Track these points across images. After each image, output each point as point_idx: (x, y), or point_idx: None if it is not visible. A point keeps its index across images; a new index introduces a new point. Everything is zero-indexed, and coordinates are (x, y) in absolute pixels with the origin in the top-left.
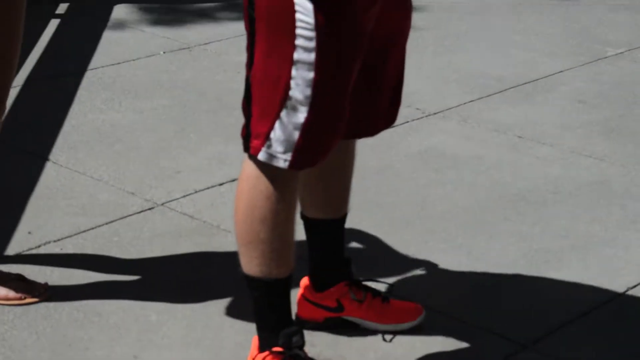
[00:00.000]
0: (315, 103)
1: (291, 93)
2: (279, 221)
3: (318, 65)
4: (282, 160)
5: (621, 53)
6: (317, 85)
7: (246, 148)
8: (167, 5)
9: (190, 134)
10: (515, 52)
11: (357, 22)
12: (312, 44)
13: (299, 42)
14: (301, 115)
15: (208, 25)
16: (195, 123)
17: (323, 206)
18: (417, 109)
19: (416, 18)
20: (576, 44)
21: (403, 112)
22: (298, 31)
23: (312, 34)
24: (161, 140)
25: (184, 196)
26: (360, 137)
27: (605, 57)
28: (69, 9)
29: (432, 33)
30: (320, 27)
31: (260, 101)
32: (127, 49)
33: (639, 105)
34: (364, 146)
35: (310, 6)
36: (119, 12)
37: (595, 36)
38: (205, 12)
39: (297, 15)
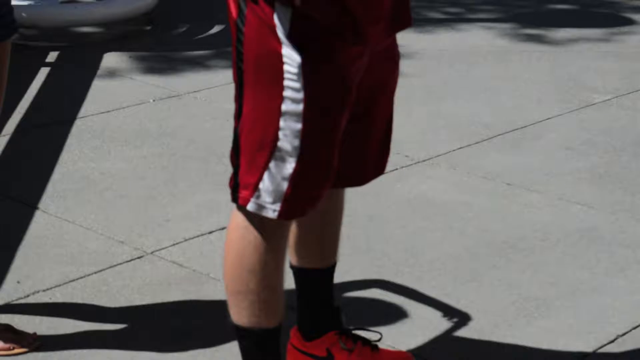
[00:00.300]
0: (303, 154)
1: (279, 144)
2: (268, 271)
3: (306, 117)
4: (271, 211)
5: (608, 100)
6: (305, 136)
7: (235, 198)
8: (157, 54)
9: (180, 182)
10: (503, 99)
11: (344, 73)
12: (300, 95)
13: (286, 93)
14: (289, 166)
15: (198, 73)
16: (184, 171)
17: (312, 255)
18: (406, 156)
19: (404, 65)
20: (563, 90)
21: (392, 159)
22: (286, 82)
23: (299, 85)
24: (151, 188)
25: (174, 244)
26: (349, 186)
27: (593, 104)
28: (59, 57)
29: (420, 80)
30: (308, 78)
31: (249, 152)
32: (116, 97)
33: (626, 152)
34: (352, 193)
35: (298, 58)
36: (109, 60)
37: (582, 83)
38: (196, 60)
39: (285, 67)
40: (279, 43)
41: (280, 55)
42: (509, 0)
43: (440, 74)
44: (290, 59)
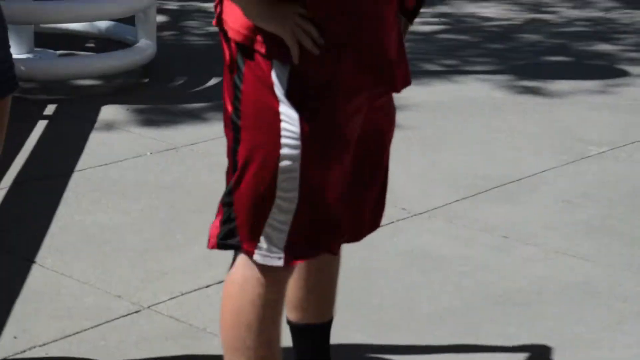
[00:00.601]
0: (302, 208)
1: (277, 200)
2: (265, 327)
3: (304, 173)
4: (277, 259)
5: (604, 152)
6: (303, 192)
7: (233, 254)
8: (155, 106)
9: (177, 235)
10: (500, 151)
11: (342, 129)
12: (297, 152)
13: (284, 150)
14: (289, 220)
15: (195, 126)
16: (182, 224)
17: (309, 311)
18: (403, 208)
19: (401, 117)
20: (559, 142)
21: (389, 212)
22: (283, 140)
23: (297, 142)
24: (148, 241)
25: (171, 299)
26: (344, 242)
27: (589, 156)
28: (56, 109)
29: (416, 132)
30: (306, 135)
31: (246, 207)
32: (114, 150)
33: (623, 205)
34: (349, 247)
35: (295, 115)
36: (107, 112)
37: (578, 135)
38: (193, 113)
39: (283, 125)
40: (277, 101)
41: (277, 113)
42: (505, 52)
43: (436, 126)
44: (288, 116)
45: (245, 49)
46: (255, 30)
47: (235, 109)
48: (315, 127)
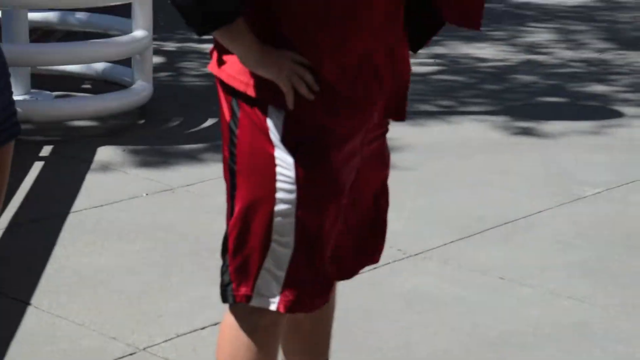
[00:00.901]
0: (297, 252)
1: (273, 244)
2: None
3: (299, 217)
4: (273, 304)
5: (599, 193)
6: (298, 236)
7: (229, 297)
8: (151, 147)
9: (173, 277)
10: (495, 192)
11: (337, 174)
12: (293, 196)
13: (279, 195)
14: (285, 263)
15: (191, 167)
16: (177, 266)
17: (304, 353)
18: (399, 250)
19: (396, 158)
20: (555, 183)
21: (385, 253)
22: (279, 185)
23: (293, 187)
24: (143, 284)
25: (166, 340)
26: (339, 279)
27: (584, 197)
28: (52, 151)
29: (412, 173)
30: (301, 180)
31: (243, 251)
32: (110, 191)
33: (618, 246)
34: (345, 288)
35: (290, 160)
36: (103, 154)
37: (573, 176)
38: (189, 154)
39: (278, 169)
40: (272, 146)
41: (273, 158)
42: (500, 93)
43: (432, 167)
44: (283, 161)
45: (241, 94)
46: (250, 75)
47: (232, 154)
48: (311, 172)
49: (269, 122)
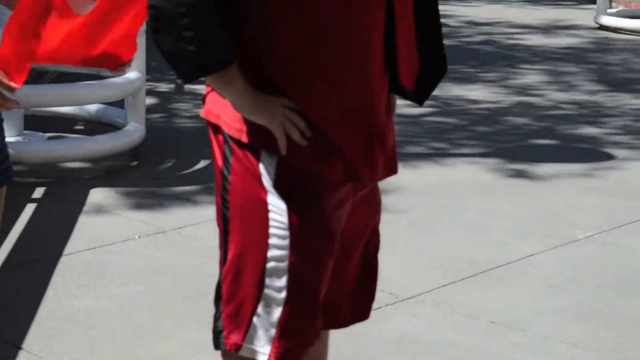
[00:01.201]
0: (290, 300)
1: (266, 291)
2: None
3: (292, 263)
4: (262, 354)
5: (591, 236)
6: (291, 282)
7: (221, 344)
8: (143, 189)
9: (165, 320)
10: (487, 235)
11: (329, 220)
12: (286, 242)
13: (272, 240)
14: (277, 311)
15: (184, 209)
16: (170, 308)
17: None
18: (391, 293)
19: (389, 201)
20: (546, 226)
21: (376, 297)
22: (271, 230)
23: (285, 232)
24: (136, 327)
25: None
26: (330, 328)
27: (576, 240)
28: (45, 192)
29: (404, 216)
30: (293, 226)
31: (235, 298)
32: (102, 234)
33: (610, 289)
34: (337, 333)
35: (283, 206)
36: (95, 196)
37: (565, 219)
38: (181, 196)
39: (271, 215)
40: (265, 191)
41: (265, 204)
42: (493, 135)
43: (424, 209)
44: (276, 207)
45: (233, 140)
46: (243, 122)
47: (224, 200)
48: (303, 218)
49: (262, 168)
